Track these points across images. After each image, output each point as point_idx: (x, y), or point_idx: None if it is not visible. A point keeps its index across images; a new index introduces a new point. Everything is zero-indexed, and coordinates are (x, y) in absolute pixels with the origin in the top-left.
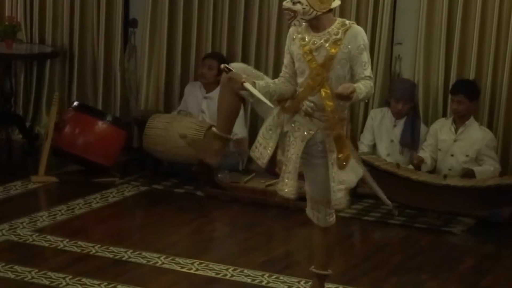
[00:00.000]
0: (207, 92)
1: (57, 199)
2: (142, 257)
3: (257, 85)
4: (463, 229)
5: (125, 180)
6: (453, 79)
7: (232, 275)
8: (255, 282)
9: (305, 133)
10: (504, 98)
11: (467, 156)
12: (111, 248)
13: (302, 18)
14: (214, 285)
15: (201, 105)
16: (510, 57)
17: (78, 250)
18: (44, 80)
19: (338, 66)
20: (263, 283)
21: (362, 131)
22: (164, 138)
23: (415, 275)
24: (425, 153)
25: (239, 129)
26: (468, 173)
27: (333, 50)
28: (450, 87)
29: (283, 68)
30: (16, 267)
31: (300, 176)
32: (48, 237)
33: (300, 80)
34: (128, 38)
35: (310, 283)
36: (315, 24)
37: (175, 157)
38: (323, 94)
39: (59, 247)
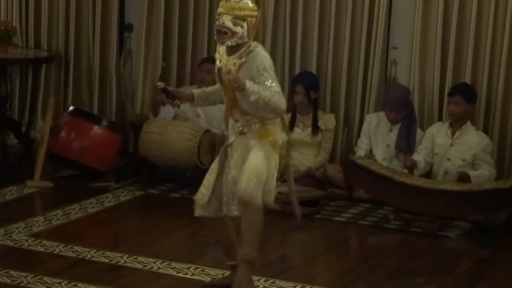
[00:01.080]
0: None
1: (52, 204)
2: (138, 262)
3: (194, 93)
4: (459, 233)
5: (120, 185)
6: (448, 83)
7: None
8: None
9: (243, 150)
10: (499, 103)
11: (463, 160)
12: (107, 253)
13: (236, 41)
14: None
15: (197, 110)
16: (506, 61)
17: (74, 255)
18: (40, 85)
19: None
20: None
21: (358, 136)
22: (159, 143)
23: (411, 279)
24: (419, 156)
25: None
26: (463, 177)
27: (236, 74)
28: (447, 91)
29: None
30: (11, 272)
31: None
32: (44, 242)
33: (222, 95)
34: (124, 42)
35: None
36: (232, 49)
37: (171, 162)
38: (237, 113)
39: (54, 252)
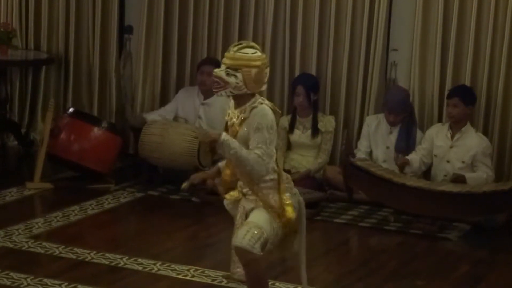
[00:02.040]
0: (204, 99)
1: (52, 206)
2: (138, 264)
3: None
4: (458, 235)
5: (120, 187)
6: (448, 85)
7: (228, 282)
8: None
9: (242, 213)
10: (499, 104)
11: (463, 162)
12: (106, 254)
13: (231, 92)
14: None
15: (198, 111)
16: (505, 63)
17: (74, 257)
18: (40, 87)
19: (242, 144)
20: None
21: (358, 138)
22: (159, 145)
23: (411, 281)
24: (415, 155)
25: None
26: (459, 178)
27: (237, 128)
28: (446, 93)
29: None
30: (11, 273)
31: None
32: (44, 243)
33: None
34: (124, 44)
35: None
36: (238, 101)
37: (171, 164)
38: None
39: (54, 254)
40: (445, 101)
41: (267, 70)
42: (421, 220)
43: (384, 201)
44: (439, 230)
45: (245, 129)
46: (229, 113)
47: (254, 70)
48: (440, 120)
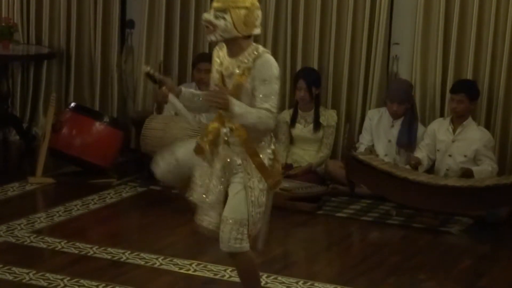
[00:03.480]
0: None
1: (54, 200)
2: (140, 258)
3: (182, 90)
4: (460, 229)
5: (122, 181)
6: (450, 79)
7: (230, 276)
8: None
9: (225, 164)
10: (501, 98)
11: (465, 156)
12: (109, 249)
13: (221, 35)
14: (212, 285)
15: None
16: (507, 56)
17: (76, 252)
18: (41, 81)
19: (245, 96)
20: (262, 284)
21: (360, 132)
22: (161, 139)
23: (413, 275)
24: (422, 153)
25: None
26: (466, 173)
27: (240, 79)
28: (449, 86)
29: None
30: (13, 268)
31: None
32: (46, 238)
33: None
34: (125, 39)
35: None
36: (231, 47)
37: None
38: (232, 127)
39: (56, 249)
40: (448, 95)
41: (259, 13)
42: (423, 214)
43: (386, 195)
44: (442, 224)
45: (250, 80)
46: (219, 62)
47: (243, 11)
48: (442, 113)
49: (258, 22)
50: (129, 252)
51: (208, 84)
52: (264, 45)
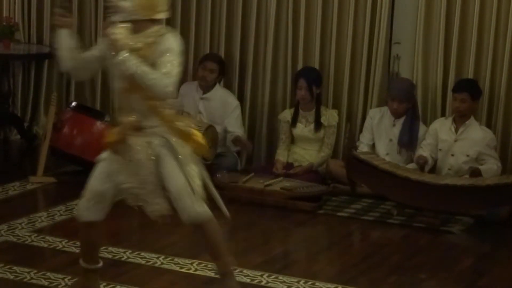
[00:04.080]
0: (204, 93)
1: (55, 200)
2: (141, 258)
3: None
4: (461, 228)
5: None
6: (451, 78)
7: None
8: (255, 282)
9: (147, 149)
10: (502, 97)
11: (467, 156)
12: (110, 248)
13: (124, 17)
14: (213, 285)
15: (198, 106)
16: (509, 56)
17: (77, 251)
18: (42, 81)
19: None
20: (262, 283)
21: (361, 131)
22: None
23: (414, 275)
24: (424, 153)
25: (237, 128)
26: (475, 172)
27: (144, 53)
28: (450, 86)
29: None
30: (15, 267)
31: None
32: (47, 237)
33: (115, 85)
34: None
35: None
36: (136, 27)
37: None
38: (140, 95)
39: (58, 248)
40: (449, 93)
41: None
42: (424, 214)
43: (387, 195)
44: (442, 224)
45: (150, 53)
46: (119, 30)
47: None
48: (443, 112)
49: (163, 6)
50: (129, 251)
51: (209, 81)
52: (265, 45)
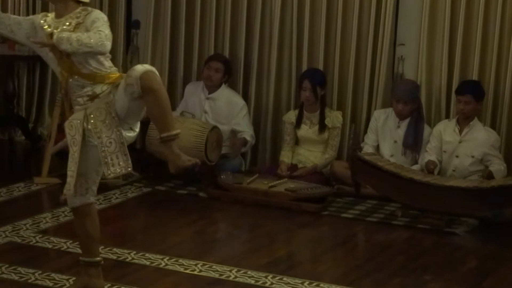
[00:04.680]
0: (209, 93)
1: (60, 201)
2: (146, 259)
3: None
4: (466, 229)
5: (128, 182)
6: (456, 80)
7: (236, 276)
8: (259, 283)
9: (107, 108)
10: (507, 99)
11: (472, 157)
12: (114, 249)
13: None
14: (217, 286)
15: (203, 106)
16: None
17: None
18: (47, 82)
19: None
20: (267, 284)
21: (365, 133)
22: None
23: (418, 276)
24: (430, 156)
25: (246, 128)
26: (490, 175)
27: (74, 31)
28: (454, 87)
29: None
30: (19, 268)
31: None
32: (52, 238)
33: (55, 70)
34: (131, 39)
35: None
36: (59, 9)
37: None
38: (78, 77)
39: (62, 249)
40: (453, 95)
41: None
42: (428, 215)
43: (392, 196)
44: (447, 225)
45: (85, 28)
46: (49, 25)
47: None
48: (448, 114)
49: None
50: (134, 252)
51: (214, 81)
52: (270, 46)
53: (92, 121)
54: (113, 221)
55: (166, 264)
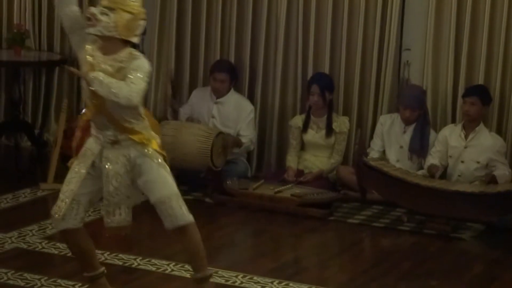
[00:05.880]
0: (217, 98)
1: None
2: (152, 264)
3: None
4: (472, 235)
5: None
6: (461, 84)
7: (242, 282)
8: None
9: (124, 161)
10: None
11: (478, 162)
12: (120, 255)
13: (100, 31)
14: None
15: (211, 110)
16: None
17: None
18: (53, 88)
19: None
20: None
21: (371, 138)
22: (173, 145)
23: (424, 281)
24: (434, 160)
25: (248, 133)
26: (493, 179)
27: (115, 76)
28: (460, 92)
29: None
30: (25, 274)
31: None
32: (58, 244)
33: (84, 98)
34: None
35: None
36: (107, 46)
37: (184, 164)
38: (107, 117)
39: (68, 255)
40: (460, 99)
41: (143, 23)
42: (434, 220)
43: (398, 201)
44: (453, 230)
45: (121, 77)
46: (92, 55)
47: (128, 15)
48: (453, 119)
49: (139, 31)
50: (140, 258)
51: (222, 91)
52: (275, 51)
53: (105, 165)
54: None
55: (172, 270)
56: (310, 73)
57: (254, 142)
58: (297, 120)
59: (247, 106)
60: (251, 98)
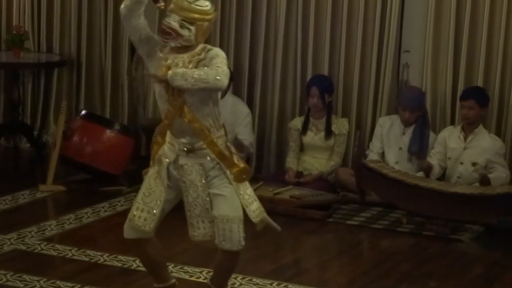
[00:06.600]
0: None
1: (65, 208)
2: None
3: None
4: (471, 236)
5: (133, 189)
6: (461, 86)
7: (241, 284)
8: None
9: (199, 170)
10: None
11: (476, 164)
12: (119, 257)
13: (181, 43)
14: None
15: None
16: None
17: (87, 259)
18: (52, 89)
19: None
20: None
21: (370, 140)
22: None
23: (424, 283)
24: (433, 161)
25: (247, 136)
26: (484, 179)
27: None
28: (459, 94)
29: None
30: (24, 276)
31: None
32: (57, 246)
33: (160, 105)
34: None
35: None
36: (182, 48)
37: None
38: (186, 120)
39: (67, 256)
40: (458, 102)
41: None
42: (434, 222)
43: (397, 203)
44: (452, 232)
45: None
46: (167, 58)
47: (206, 24)
48: (453, 121)
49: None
50: (139, 259)
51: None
52: (275, 53)
53: (181, 173)
54: (118, 228)
55: (171, 272)
56: (309, 75)
57: (254, 145)
58: (296, 122)
59: (244, 110)
60: (250, 100)
